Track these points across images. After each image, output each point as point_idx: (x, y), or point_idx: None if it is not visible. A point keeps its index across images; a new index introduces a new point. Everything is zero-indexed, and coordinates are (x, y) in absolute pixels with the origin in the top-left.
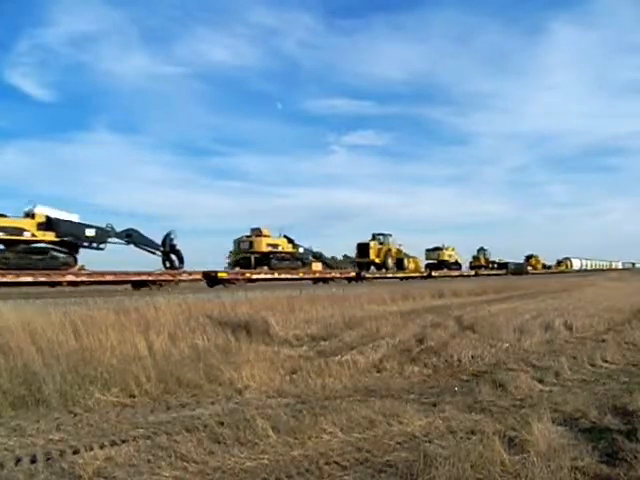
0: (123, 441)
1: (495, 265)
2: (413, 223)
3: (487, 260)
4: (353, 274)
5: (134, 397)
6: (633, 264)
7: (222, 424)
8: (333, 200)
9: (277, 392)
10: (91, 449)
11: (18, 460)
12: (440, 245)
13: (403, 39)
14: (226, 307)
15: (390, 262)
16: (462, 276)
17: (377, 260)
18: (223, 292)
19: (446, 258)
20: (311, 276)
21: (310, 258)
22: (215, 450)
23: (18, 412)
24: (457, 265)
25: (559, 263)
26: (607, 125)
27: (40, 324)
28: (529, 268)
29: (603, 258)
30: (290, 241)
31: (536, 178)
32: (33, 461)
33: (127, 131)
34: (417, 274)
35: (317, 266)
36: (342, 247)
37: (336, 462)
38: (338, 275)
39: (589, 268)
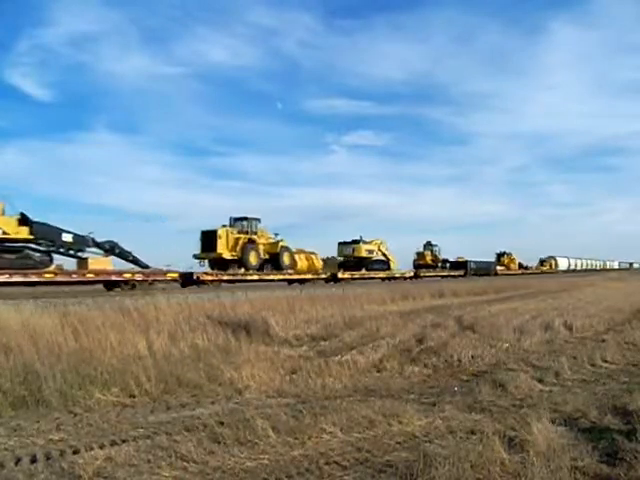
0: (123, 441)
1: (447, 264)
2: (413, 223)
3: (436, 258)
4: (173, 275)
5: (134, 397)
6: (631, 264)
7: (222, 424)
8: (333, 200)
9: (277, 392)
10: (91, 449)
11: (18, 460)
12: (357, 237)
13: (403, 39)
14: (226, 307)
15: (253, 258)
16: (392, 279)
17: (229, 254)
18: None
19: (364, 254)
20: (79, 278)
21: (90, 250)
22: (215, 450)
23: (18, 412)
24: (383, 264)
25: (542, 262)
26: (607, 125)
27: (40, 324)
28: (500, 268)
29: (598, 257)
30: (25, 222)
31: (536, 178)
32: (33, 461)
33: (127, 131)
34: (312, 276)
35: (103, 263)
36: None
37: (336, 462)
38: (141, 277)
39: (579, 268)
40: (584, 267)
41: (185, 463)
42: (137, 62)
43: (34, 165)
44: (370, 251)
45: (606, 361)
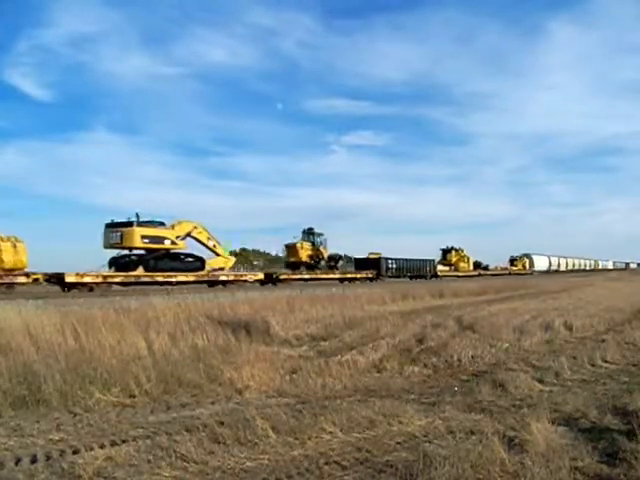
0: (123, 441)
1: (339, 261)
2: (413, 223)
3: (319, 252)
4: None
5: (134, 397)
6: (627, 264)
7: (222, 424)
8: (333, 200)
9: (277, 392)
10: (91, 449)
11: (18, 460)
12: (132, 218)
13: (403, 39)
14: (226, 307)
15: None
16: (213, 283)
17: None
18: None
19: (139, 244)
20: None
21: None
22: (215, 450)
23: (18, 412)
24: (194, 260)
25: (513, 261)
26: (607, 125)
27: (40, 324)
28: (443, 268)
29: (590, 256)
30: None
31: (536, 178)
32: (33, 461)
33: (127, 131)
34: None
35: None
36: (341, 248)
37: (336, 462)
38: None
39: (564, 269)
40: (570, 267)
41: (185, 463)
42: (137, 62)
43: (34, 165)
44: (157, 239)
45: (606, 361)
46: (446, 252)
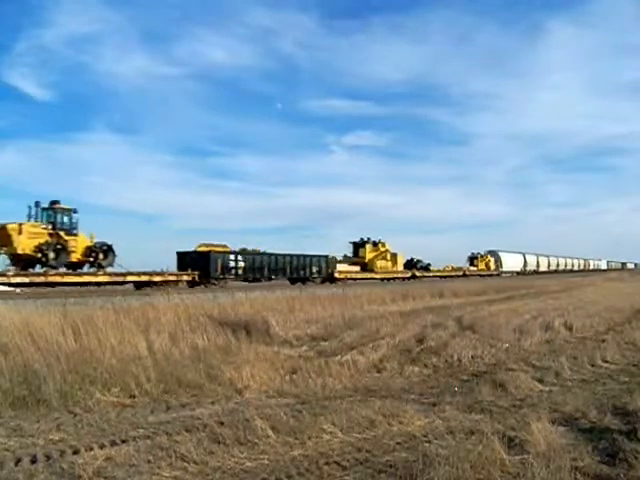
0: (123, 441)
1: (104, 256)
2: (414, 223)
3: (62, 241)
4: None
5: (134, 397)
6: (623, 264)
7: (222, 424)
8: (333, 201)
9: (277, 392)
10: (91, 449)
11: (18, 460)
12: None
13: (402, 40)
14: (226, 307)
15: None
16: None
17: None
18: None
19: None
20: None
21: None
22: (215, 450)
23: (18, 412)
24: None
25: (472, 260)
26: (607, 125)
27: (40, 324)
28: (348, 269)
29: (581, 256)
30: None
31: (535, 178)
32: (33, 461)
33: (126, 131)
34: None
35: None
36: (340, 248)
37: (336, 462)
38: None
39: (544, 269)
40: (554, 267)
41: (185, 463)
42: (137, 62)
43: (34, 165)
44: None
45: (606, 361)
46: (358, 246)
